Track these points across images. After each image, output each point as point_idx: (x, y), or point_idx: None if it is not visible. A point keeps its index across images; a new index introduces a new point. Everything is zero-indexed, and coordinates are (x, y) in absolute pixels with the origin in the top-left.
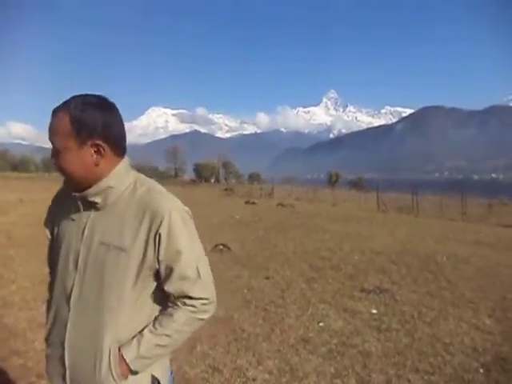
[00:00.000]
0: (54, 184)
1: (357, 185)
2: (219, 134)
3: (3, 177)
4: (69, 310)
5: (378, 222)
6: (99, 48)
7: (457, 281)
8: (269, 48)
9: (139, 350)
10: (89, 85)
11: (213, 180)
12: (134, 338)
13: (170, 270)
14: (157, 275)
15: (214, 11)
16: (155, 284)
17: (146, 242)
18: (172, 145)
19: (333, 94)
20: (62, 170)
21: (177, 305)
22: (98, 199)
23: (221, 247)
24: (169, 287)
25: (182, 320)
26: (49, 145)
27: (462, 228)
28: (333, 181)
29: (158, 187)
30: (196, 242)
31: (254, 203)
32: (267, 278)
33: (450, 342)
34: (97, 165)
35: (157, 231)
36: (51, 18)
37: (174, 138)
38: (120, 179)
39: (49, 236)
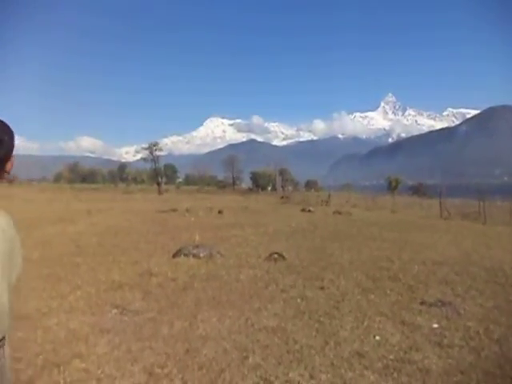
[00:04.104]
0: (119, 195)
1: (418, 191)
2: (275, 142)
3: (73, 188)
4: None
5: (440, 230)
6: (160, 66)
7: None
8: (323, 53)
9: None
10: (152, 100)
11: (269, 188)
12: None
13: None
14: None
15: (269, 20)
16: None
17: None
18: (230, 154)
19: (391, 97)
20: None
21: None
22: None
23: (275, 256)
24: None
25: None
26: (115, 157)
27: None
28: (392, 187)
29: None
30: None
31: (310, 211)
32: (322, 288)
33: None
34: None
35: None
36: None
37: (232, 147)
38: None
39: None
